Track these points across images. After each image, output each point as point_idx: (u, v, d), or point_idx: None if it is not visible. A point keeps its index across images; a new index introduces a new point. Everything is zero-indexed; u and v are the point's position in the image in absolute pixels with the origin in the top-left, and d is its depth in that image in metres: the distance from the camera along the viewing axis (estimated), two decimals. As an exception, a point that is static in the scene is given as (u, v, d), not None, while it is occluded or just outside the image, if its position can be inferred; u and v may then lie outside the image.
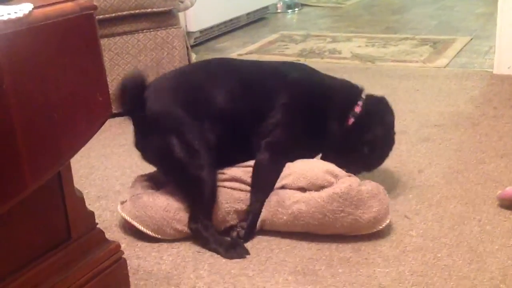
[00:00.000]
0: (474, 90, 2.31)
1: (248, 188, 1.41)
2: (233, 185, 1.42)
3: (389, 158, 1.76)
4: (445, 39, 3.10)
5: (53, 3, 0.97)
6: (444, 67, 2.64)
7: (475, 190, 1.55)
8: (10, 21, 0.88)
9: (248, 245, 1.37)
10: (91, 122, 1.05)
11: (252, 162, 1.44)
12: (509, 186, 1.46)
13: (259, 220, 1.39)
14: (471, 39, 3.06)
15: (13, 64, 0.88)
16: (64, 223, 1.09)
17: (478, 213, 1.44)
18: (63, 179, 1.08)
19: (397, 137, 1.91)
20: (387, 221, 1.37)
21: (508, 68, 2.42)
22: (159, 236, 1.40)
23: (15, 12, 0.90)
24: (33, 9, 0.92)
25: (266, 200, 1.39)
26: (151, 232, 1.41)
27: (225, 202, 1.40)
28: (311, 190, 1.36)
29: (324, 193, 1.34)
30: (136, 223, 1.42)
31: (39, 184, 0.95)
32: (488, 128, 1.94)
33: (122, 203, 1.46)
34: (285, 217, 1.37)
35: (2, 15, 0.88)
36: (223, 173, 1.44)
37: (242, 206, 1.41)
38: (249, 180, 1.41)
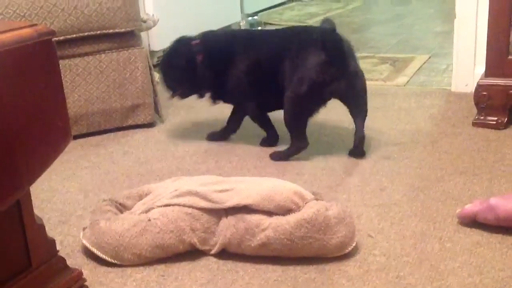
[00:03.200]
0: (433, 108, 2.36)
1: (207, 203, 1.39)
2: (188, 201, 1.40)
3: (352, 176, 1.80)
4: (404, 57, 3.17)
5: (10, 30, 0.96)
6: (404, 85, 2.70)
7: (436, 208, 1.58)
8: (-34, 48, 0.87)
9: (213, 267, 1.37)
10: (51, 148, 1.03)
11: (204, 177, 1.55)
12: (468, 204, 1.49)
13: (225, 241, 1.39)
14: (430, 57, 3.14)
15: (-31, 92, 0.87)
16: (24, 251, 1.07)
17: (439, 230, 1.47)
18: (22, 206, 1.06)
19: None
20: (354, 244, 1.38)
21: (466, 85, 2.48)
22: (119, 262, 1.39)
23: (-29, 39, 0.89)
24: (-10, 35, 0.91)
25: (234, 227, 1.38)
26: (110, 258, 1.39)
27: (180, 220, 1.38)
28: (278, 214, 1.36)
29: (291, 218, 1.35)
30: (95, 249, 1.40)
31: (-2, 213, 0.94)
32: (447, 145, 1.98)
33: (84, 229, 1.45)
34: (252, 244, 1.36)
35: (-42, 43, 0.87)
36: (175, 190, 1.44)
37: (199, 222, 1.39)
38: (207, 194, 1.40)
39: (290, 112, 1.90)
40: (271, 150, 2.01)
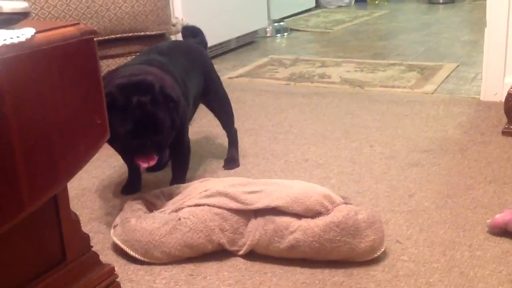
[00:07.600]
0: (461, 116, 2.35)
1: (236, 204, 1.41)
2: (218, 202, 1.42)
3: (380, 182, 1.79)
4: (432, 65, 3.16)
5: (54, 28, 0.99)
6: (432, 93, 2.68)
7: (465, 216, 1.57)
8: (12, 45, 0.90)
9: (241, 267, 1.38)
10: (89, 144, 1.05)
11: (233, 179, 1.56)
12: (498, 214, 1.48)
13: (254, 243, 1.40)
14: (458, 66, 3.12)
15: (14, 87, 0.89)
16: (60, 245, 1.09)
17: (468, 238, 1.46)
18: (59, 201, 1.08)
19: (387, 162, 1.95)
20: (382, 249, 1.38)
21: (495, 94, 2.46)
22: (148, 260, 1.40)
23: (17, 37, 0.91)
24: (35, 33, 0.94)
25: (262, 228, 1.39)
26: (140, 256, 1.41)
27: (209, 220, 1.40)
28: (307, 217, 1.37)
29: (320, 221, 1.35)
30: (125, 247, 1.42)
31: (37, 206, 0.95)
32: (476, 154, 1.97)
33: (114, 227, 1.47)
34: (281, 246, 1.37)
35: (5, 40, 0.89)
36: (205, 190, 1.46)
37: (228, 223, 1.40)
38: (237, 195, 1.42)
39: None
40: (293, 157, 2.02)
